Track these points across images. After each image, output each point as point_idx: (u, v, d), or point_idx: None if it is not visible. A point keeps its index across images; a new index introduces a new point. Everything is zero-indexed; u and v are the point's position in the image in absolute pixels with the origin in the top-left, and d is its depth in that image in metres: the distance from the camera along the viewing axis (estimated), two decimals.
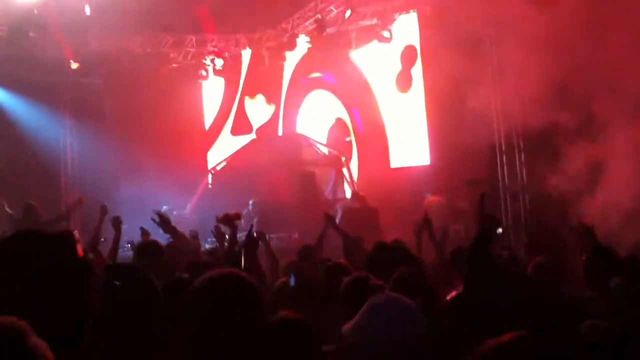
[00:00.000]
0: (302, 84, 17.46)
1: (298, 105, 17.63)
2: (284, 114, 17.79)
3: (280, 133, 17.67)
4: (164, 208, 14.52)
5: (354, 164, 16.39)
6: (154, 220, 6.33)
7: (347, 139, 17.00)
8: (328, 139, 17.22)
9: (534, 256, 5.86)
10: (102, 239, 7.05)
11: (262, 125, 17.79)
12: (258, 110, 17.89)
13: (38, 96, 15.13)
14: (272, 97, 17.70)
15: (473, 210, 10.84)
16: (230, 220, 5.54)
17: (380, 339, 2.78)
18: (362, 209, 13.17)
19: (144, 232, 7.37)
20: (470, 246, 3.99)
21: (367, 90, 16.10)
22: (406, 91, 15.15)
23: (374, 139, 15.97)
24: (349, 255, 6.27)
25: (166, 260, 5.46)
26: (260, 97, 17.83)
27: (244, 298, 2.54)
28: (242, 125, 17.87)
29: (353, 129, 16.79)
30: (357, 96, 16.46)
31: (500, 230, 4.19)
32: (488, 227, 4.02)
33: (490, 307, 3.72)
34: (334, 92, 17.18)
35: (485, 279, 3.88)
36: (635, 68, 8.24)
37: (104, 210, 6.87)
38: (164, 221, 6.25)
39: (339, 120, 17.11)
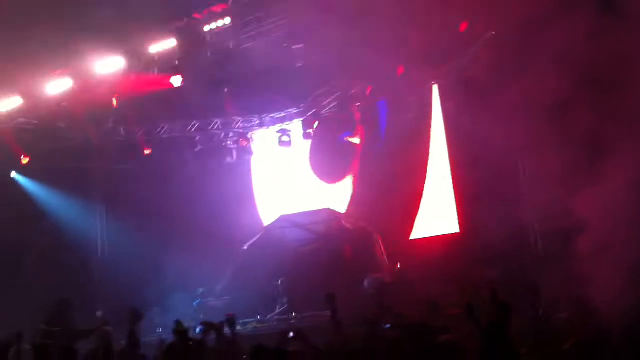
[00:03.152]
0: None
1: None
2: None
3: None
4: (200, 291, 14.54)
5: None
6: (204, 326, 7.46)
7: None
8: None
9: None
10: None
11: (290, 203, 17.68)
12: (286, 187, 17.82)
13: (70, 185, 15.40)
14: (298, 174, 17.60)
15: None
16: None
17: None
18: (398, 283, 12.92)
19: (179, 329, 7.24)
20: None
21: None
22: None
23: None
24: None
25: None
26: (282, 174, 17.69)
27: None
28: (273, 202, 17.70)
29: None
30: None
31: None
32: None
33: None
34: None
35: None
36: None
37: (139, 317, 7.00)
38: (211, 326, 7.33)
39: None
